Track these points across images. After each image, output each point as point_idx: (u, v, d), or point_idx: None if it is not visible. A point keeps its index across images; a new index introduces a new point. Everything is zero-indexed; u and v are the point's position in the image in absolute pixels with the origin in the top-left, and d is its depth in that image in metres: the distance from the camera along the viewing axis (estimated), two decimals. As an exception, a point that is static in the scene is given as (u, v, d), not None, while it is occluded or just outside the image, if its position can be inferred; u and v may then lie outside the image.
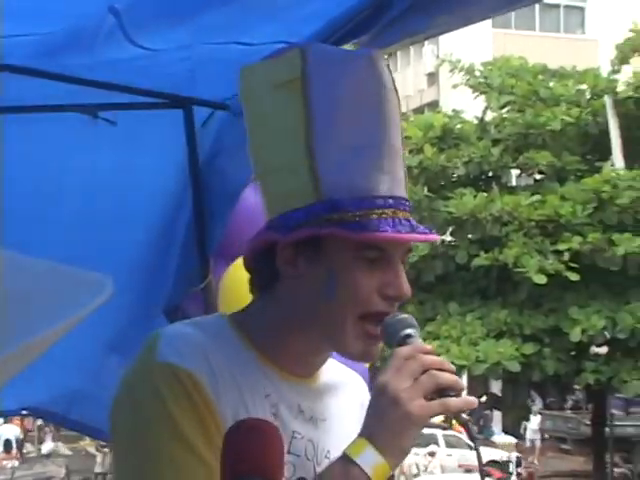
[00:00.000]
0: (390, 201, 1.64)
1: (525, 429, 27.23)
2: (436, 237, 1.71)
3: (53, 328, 0.69)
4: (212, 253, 3.26)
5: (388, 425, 1.51)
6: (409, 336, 1.59)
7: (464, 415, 1.55)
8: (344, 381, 1.82)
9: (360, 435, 1.54)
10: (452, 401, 1.51)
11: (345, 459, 1.52)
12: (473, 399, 1.54)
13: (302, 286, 1.65)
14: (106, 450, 25.76)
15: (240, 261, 3.51)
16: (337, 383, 1.80)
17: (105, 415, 3.63)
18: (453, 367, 1.57)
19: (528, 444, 25.18)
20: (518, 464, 23.88)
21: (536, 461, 24.20)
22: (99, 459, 26.13)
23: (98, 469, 26.06)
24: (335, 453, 1.59)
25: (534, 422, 26.56)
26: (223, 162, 3.13)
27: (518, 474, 20.80)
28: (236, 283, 3.34)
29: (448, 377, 1.53)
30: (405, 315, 1.63)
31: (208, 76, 3.00)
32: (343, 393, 1.79)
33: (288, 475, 1.64)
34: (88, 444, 27.26)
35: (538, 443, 26.25)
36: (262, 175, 1.75)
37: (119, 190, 3.31)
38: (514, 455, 24.80)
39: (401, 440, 1.52)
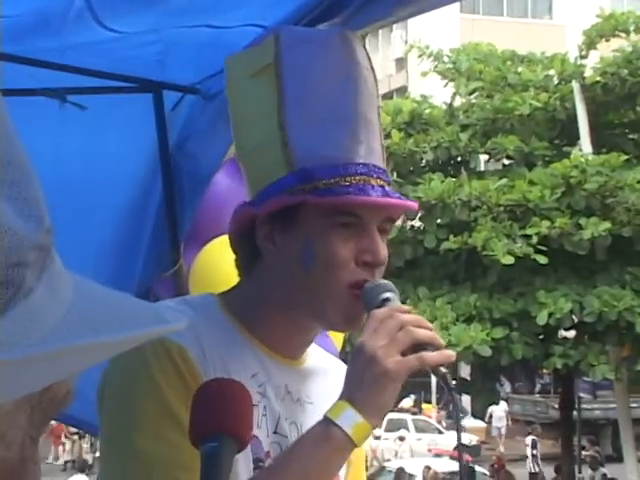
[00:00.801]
0: (363, 168, 1.66)
1: (490, 416, 27.28)
2: (411, 203, 1.72)
3: (117, 336, 0.69)
4: (183, 238, 3.24)
5: (366, 384, 1.52)
6: (387, 300, 1.60)
7: (442, 369, 1.53)
8: (328, 367, 1.83)
9: (339, 398, 1.55)
10: (429, 355, 1.51)
11: (325, 421, 1.53)
12: (451, 352, 1.53)
13: (282, 261, 1.66)
14: (75, 438, 25.68)
15: (211, 246, 3.52)
16: (322, 368, 1.81)
17: (82, 404, 3.63)
18: (431, 325, 1.57)
19: (494, 432, 25.21)
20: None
21: (501, 448, 24.29)
22: (67, 446, 26.02)
23: (67, 457, 25.96)
24: None
25: (500, 408, 26.56)
26: (193, 146, 3.12)
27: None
28: (207, 268, 3.33)
29: (425, 333, 1.53)
30: (383, 281, 1.64)
31: (178, 60, 2.98)
32: (328, 378, 1.79)
33: (274, 455, 1.65)
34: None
35: (504, 431, 26.27)
36: (243, 158, 1.79)
37: (89, 175, 3.28)
38: (475, 439, 24.94)
39: (380, 398, 1.52)
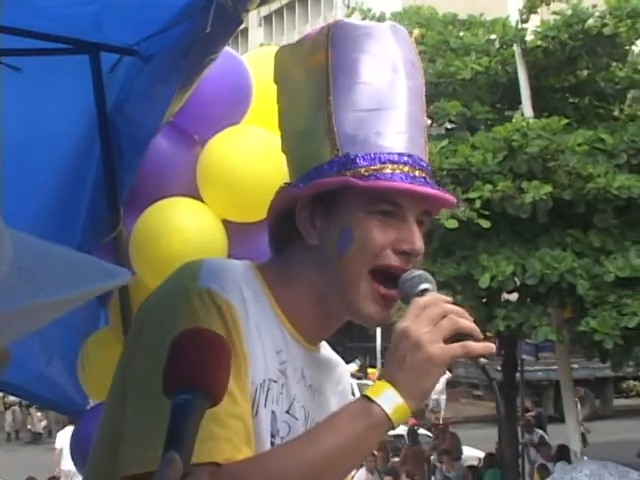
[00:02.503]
0: (406, 158, 1.67)
1: None
2: (451, 197, 1.73)
3: (58, 296, 0.66)
4: (123, 202, 3.20)
5: (408, 368, 1.53)
6: (426, 290, 1.62)
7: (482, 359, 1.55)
8: (335, 362, 1.85)
9: (379, 378, 1.57)
10: (473, 345, 1.54)
11: (364, 399, 1.55)
12: (493, 345, 1.55)
13: (320, 245, 1.68)
14: (15, 409, 25.38)
15: (152, 210, 3.47)
16: (332, 361, 1.83)
17: (15, 368, 3.57)
18: (470, 317, 1.58)
19: (432, 404, 25.26)
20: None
21: (441, 420, 24.35)
22: (8, 417, 25.75)
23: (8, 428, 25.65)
24: None
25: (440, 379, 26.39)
26: (132, 109, 3.08)
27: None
28: (148, 233, 3.30)
29: (467, 323, 1.56)
30: (421, 272, 1.66)
31: (115, 20, 2.94)
32: (334, 373, 1.82)
33: (283, 434, 1.67)
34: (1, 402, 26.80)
35: (443, 403, 26.18)
36: (288, 142, 1.80)
37: (26, 138, 3.23)
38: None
39: (422, 382, 1.54)
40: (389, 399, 1.52)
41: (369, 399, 1.53)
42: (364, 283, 1.64)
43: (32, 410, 24.43)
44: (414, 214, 1.66)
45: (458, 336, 1.54)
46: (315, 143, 1.70)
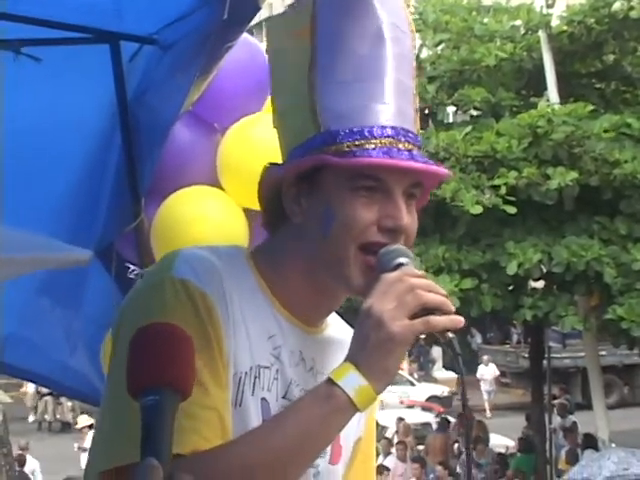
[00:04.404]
0: (389, 131, 1.61)
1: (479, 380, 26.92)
2: (437, 169, 1.65)
3: (20, 256, 0.66)
4: (144, 191, 3.20)
5: (371, 347, 1.48)
6: (401, 264, 1.56)
7: (449, 334, 1.49)
8: (346, 339, 1.73)
9: (345, 360, 1.52)
10: (436, 319, 1.48)
11: (328, 382, 1.50)
12: (460, 318, 1.49)
13: (305, 223, 1.64)
14: (47, 399, 25.60)
15: (173, 199, 3.47)
16: (340, 340, 1.76)
17: (40, 358, 3.57)
18: (443, 290, 1.53)
19: (485, 396, 25.10)
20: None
21: (488, 414, 24.18)
22: (40, 406, 25.93)
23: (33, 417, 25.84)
24: None
25: (489, 371, 26.13)
26: (152, 98, 3.07)
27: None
28: (169, 222, 3.30)
29: (434, 297, 1.50)
30: (399, 245, 1.59)
31: (135, 9, 2.93)
32: (343, 352, 1.70)
33: None
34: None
35: (493, 396, 25.93)
36: (278, 120, 1.75)
37: (46, 130, 3.23)
38: (447, 390, 25.05)
39: (385, 362, 1.49)
40: (352, 381, 1.48)
41: (333, 382, 1.49)
42: (353, 258, 1.58)
43: (62, 400, 24.64)
44: (401, 188, 1.60)
45: (427, 311, 1.48)
46: (300, 120, 1.65)
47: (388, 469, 15.60)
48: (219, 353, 1.54)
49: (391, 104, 1.63)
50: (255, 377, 1.61)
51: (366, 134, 1.60)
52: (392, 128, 1.61)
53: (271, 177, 1.69)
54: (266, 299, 1.65)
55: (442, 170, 1.66)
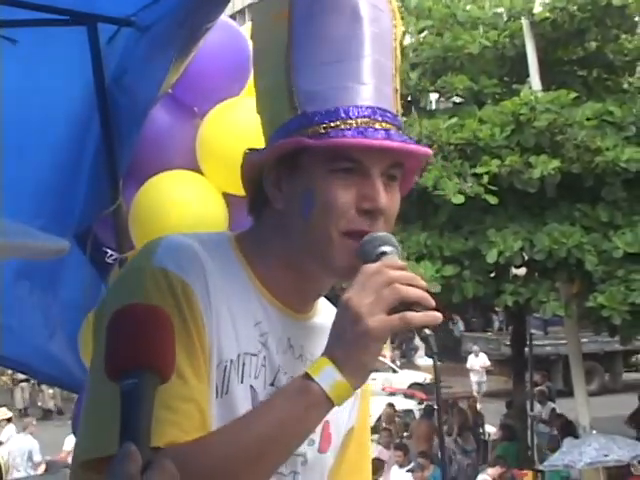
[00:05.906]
0: (366, 111, 1.59)
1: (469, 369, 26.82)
2: (416, 147, 1.62)
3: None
4: (122, 175, 3.17)
5: (348, 342, 1.46)
6: (384, 253, 1.53)
7: (427, 330, 1.46)
8: None
9: (322, 354, 1.50)
10: (413, 315, 1.45)
11: (305, 376, 1.48)
12: (437, 314, 1.46)
13: (286, 208, 1.61)
14: (23, 385, 25.50)
15: (151, 183, 3.44)
16: (329, 326, 1.69)
17: (19, 345, 3.53)
18: (424, 284, 1.50)
19: (474, 387, 25.11)
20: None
21: (478, 405, 24.23)
22: (18, 395, 25.83)
23: (19, 405, 25.74)
24: None
25: (479, 362, 26.17)
26: (130, 80, 3.04)
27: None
28: (147, 206, 3.27)
29: (414, 291, 1.47)
30: (383, 233, 1.56)
31: (112, -9, 2.90)
32: None
33: None
34: (10, 379, 26.88)
35: (484, 387, 25.94)
36: (259, 104, 1.73)
37: (23, 112, 3.19)
38: (429, 377, 25.03)
39: (361, 357, 1.47)
40: (328, 376, 1.46)
41: (309, 377, 1.47)
42: (336, 242, 1.56)
43: (43, 387, 24.51)
44: (379, 169, 1.57)
45: (406, 305, 1.45)
46: (278, 103, 1.63)
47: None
48: (200, 343, 1.52)
49: (369, 84, 1.61)
50: (243, 364, 1.59)
51: (342, 114, 1.57)
52: (369, 108, 1.59)
53: (252, 162, 1.66)
54: (252, 286, 1.64)
55: (421, 149, 1.62)
